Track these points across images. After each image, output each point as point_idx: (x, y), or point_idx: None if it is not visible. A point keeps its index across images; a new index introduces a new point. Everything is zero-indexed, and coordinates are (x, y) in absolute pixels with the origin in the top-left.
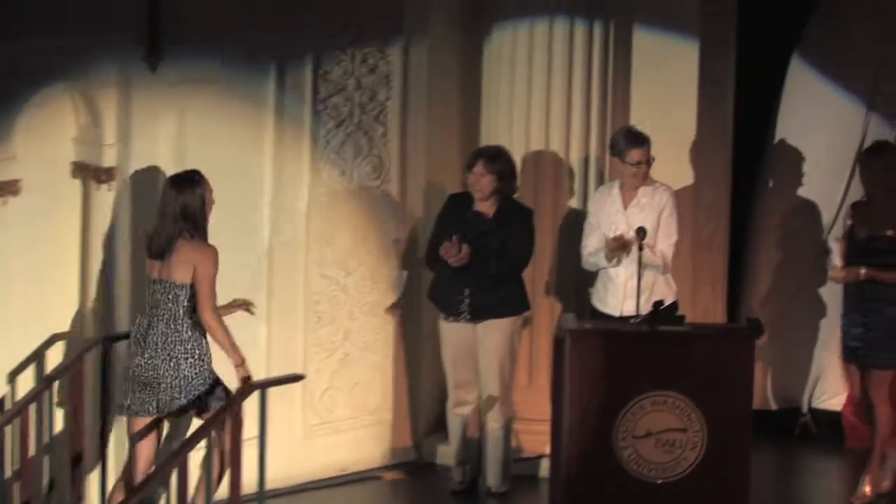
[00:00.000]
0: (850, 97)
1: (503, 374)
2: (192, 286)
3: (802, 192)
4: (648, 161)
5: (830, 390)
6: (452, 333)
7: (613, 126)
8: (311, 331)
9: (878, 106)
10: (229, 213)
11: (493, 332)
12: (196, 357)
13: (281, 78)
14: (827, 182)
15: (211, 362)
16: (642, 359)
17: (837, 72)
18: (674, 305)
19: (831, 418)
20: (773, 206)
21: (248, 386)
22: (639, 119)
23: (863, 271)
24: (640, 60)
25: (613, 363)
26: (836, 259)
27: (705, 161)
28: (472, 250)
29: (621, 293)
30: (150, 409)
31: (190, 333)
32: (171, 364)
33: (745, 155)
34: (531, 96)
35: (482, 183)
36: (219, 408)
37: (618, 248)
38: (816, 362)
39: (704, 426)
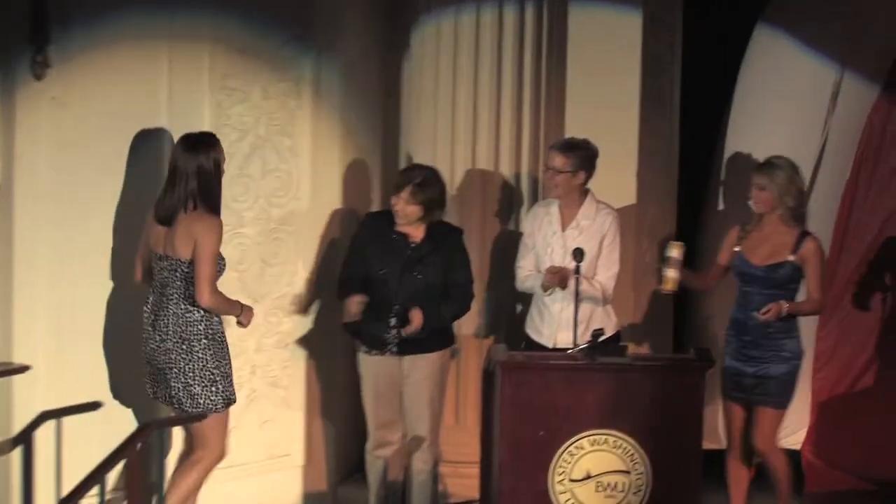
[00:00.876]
0: (806, 106)
1: (433, 412)
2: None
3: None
4: (558, 168)
5: (788, 427)
6: (375, 368)
7: (548, 134)
8: None
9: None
10: None
11: (422, 367)
12: (209, 338)
13: (175, 86)
14: None
15: (227, 347)
16: (580, 394)
17: (789, 86)
18: (615, 336)
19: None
20: (726, 225)
21: (41, 416)
22: (575, 122)
23: (786, 306)
24: (576, 50)
25: (549, 399)
26: (695, 280)
27: (649, 175)
28: (399, 280)
29: (556, 322)
30: (165, 397)
31: (202, 314)
32: (184, 347)
33: (693, 169)
34: (456, 101)
35: (407, 212)
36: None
37: (555, 281)
38: None
39: (649, 468)
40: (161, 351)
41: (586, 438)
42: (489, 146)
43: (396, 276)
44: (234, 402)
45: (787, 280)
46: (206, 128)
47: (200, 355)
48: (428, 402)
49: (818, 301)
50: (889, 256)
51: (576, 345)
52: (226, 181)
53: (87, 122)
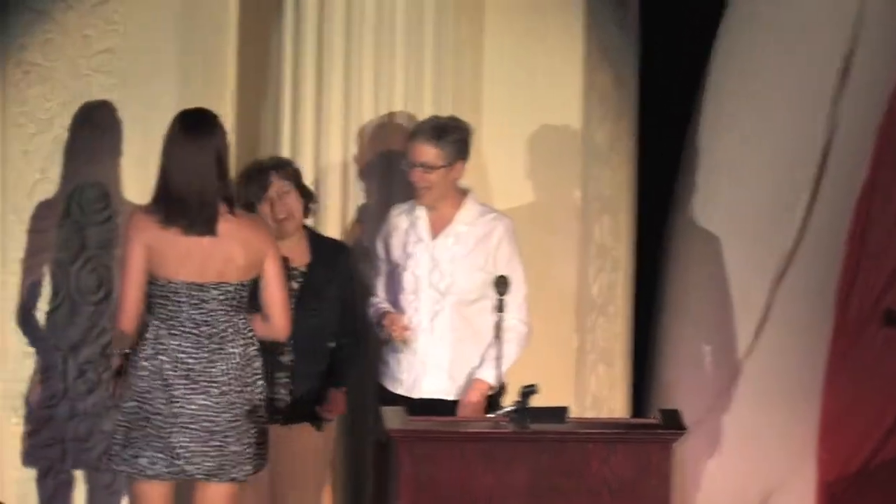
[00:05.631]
0: (806, 85)
1: (319, 496)
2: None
3: (737, 223)
4: (429, 164)
5: None
6: None
7: (457, 108)
8: None
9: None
10: None
11: (313, 438)
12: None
13: None
14: (773, 207)
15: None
16: (507, 473)
17: (783, 62)
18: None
19: None
20: (695, 247)
21: None
22: (494, 102)
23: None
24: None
25: (464, 479)
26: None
27: (596, 184)
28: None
29: (420, 365)
30: (206, 470)
31: (259, 352)
32: (247, 398)
33: (655, 176)
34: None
35: (288, 205)
36: None
37: (396, 335)
38: (772, 465)
39: None
40: (218, 408)
41: None
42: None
43: None
44: None
45: None
46: None
47: (258, 404)
48: (315, 485)
49: None
50: None
51: (502, 407)
52: (24, 190)
53: None
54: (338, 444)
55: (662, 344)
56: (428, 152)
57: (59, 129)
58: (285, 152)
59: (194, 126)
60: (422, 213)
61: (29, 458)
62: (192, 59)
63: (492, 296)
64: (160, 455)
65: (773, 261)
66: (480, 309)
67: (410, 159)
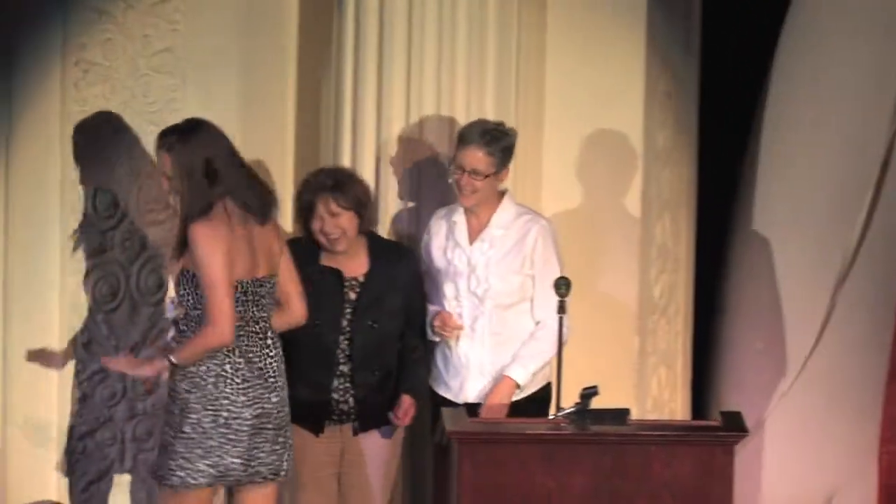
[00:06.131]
0: (871, 80)
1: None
2: None
3: (799, 225)
4: (479, 171)
5: None
6: (312, 449)
7: (520, 115)
8: None
9: None
10: None
11: (380, 446)
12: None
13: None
14: (835, 209)
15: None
16: (566, 475)
17: (847, 54)
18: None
19: None
20: (756, 249)
21: None
22: (556, 108)
23: None
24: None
25: (524, 482)
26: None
27: (657, 186)
28: (340, 332)
29: (463, 370)
30: (268, 471)
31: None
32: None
33: (715, 178)
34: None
35: (340, 225)
36: None
37: (442, 329)
38: (833, 468)
39: None
40: (283, 404)
41: None
42: (440, 127)
43: (337, 327)
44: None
45: None
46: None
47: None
48: (382, 492)
49: None
50: None
51: (560, 407)
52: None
53: None
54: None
55: (723, 345)
56: (480, 160)
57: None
58: (345, 153)
59: (194, 128)
60: (459, 218)
61: (88, 458)
62: (252, 59)
63: (530, 298)
64: (238, 460)
65: (835, 262)
66: (519, 312)
67: (459, 164)
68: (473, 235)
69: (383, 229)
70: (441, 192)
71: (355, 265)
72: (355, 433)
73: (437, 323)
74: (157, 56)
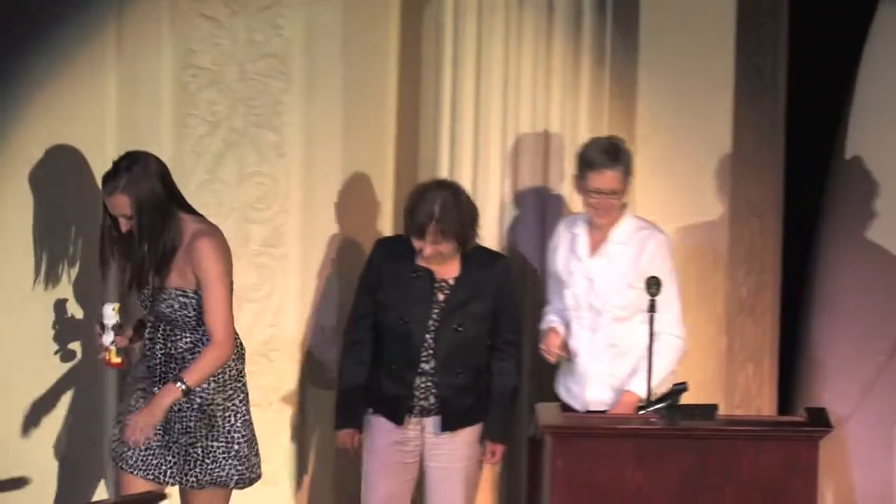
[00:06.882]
0: None
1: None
2: None
3: (887, 224)
4: (618, 190)
5: None
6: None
7: (613, 123)
8: None
9: None
10: None
11: (462, 439)
12: None
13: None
14: None
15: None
16: (657, 470)
17: None
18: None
19: None
20: (845, 250)
21: None
22: (647, 114)
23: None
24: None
25: (615, 476)
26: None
27: (745, 188)
28: (426, 332)
29: (583, 377)
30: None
31: None
32: None
33: (802, 179)
34: (487, 73)
35: (439, 251)
36: None
37: (546, 353)
38: None
39: None
40: None
41: None
42: (537, 141)
43: (424, 326)
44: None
45: None
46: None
47: None
48: (463, 487)
49: None
50: None
51: (650, 402)
52: (192, 189)
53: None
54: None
55: (810, 343)
56: (615, 180)
57: (227, 131)
58: (443, 166)
59: (132, 161)
60: (581, 231)
61: None
62: (354, 61)
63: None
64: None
65: None
66: (636, 323)
67: (595, 187)
68: (594, 249)
69: (491, 237)
70: (539, 201)
71: (448, 268)
72: (438, 431)
73: (542, 346)
74: (263, 60)
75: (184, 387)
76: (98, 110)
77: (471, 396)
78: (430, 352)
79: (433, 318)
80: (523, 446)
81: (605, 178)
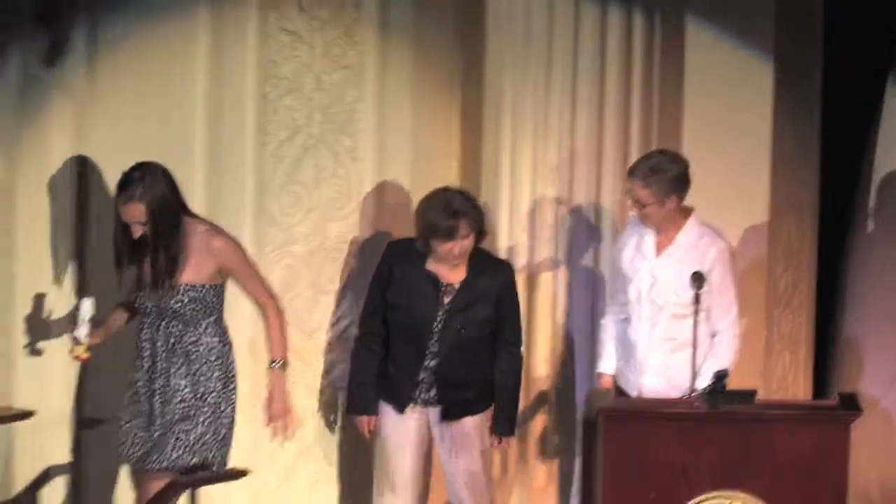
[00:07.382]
0: None
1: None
2: None
3: None
4: (643, 200)
5: None
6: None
7: (660, 138)
8: None
9: None
10: None
11: (467, 425)
12: None
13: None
14: None
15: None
16: (699, 449)
17: None
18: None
19: None
20: (876, 249)
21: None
22: (693, 129)
23: None
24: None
25: (662, 454)
26: None
27: (784, 190)
28: (439, 338)
29: (639, 366)
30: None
31: None
32: None
33: (836, 180)
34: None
35: (467, 247)
36: None
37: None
38: None
39: None
40: None
41: (708, 502)
42: (590, 154)
43: (429, 328)
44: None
45: None
46: (249, 124)
47: None
48: (476, 471)
49: None
50: None
51: (693, 388)
52: (273, 190)
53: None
54: (552, 421)
55: (844, 333)
56: (640, 192)
57: (305, 137)
58: (504, 175)
59: (143, 172)
60: (649, 232)
61: None
62: (422, 75)
63: (705, 308)
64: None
65: None
66: (695, 321)
67: (627, 193)
68: (660, 249)
69: (547, 244)
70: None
71: (455, 273)
72: (440, 420)
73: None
74: (339, 72)
75: (282, 362)
76: (187, 119)
77: (471, 391)
78: (434, 350)
79: (438, 319)
80: (577, 428)
81: (631, 189)
